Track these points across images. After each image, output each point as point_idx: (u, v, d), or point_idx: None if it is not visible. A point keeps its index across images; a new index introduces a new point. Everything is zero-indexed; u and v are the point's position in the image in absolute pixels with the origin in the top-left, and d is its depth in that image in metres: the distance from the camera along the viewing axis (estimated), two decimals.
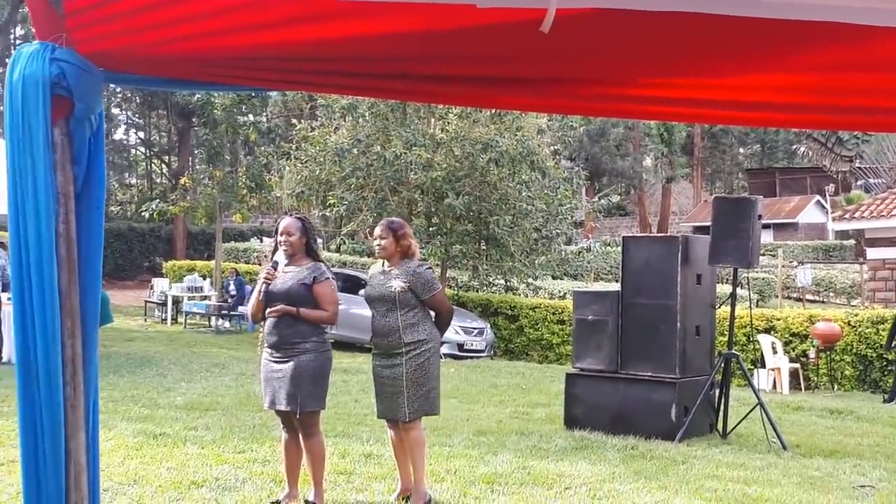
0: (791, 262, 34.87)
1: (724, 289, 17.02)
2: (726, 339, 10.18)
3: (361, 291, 19.36)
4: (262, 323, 6.10)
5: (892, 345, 14.83)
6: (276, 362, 5.92)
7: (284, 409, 5.89)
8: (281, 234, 6.00)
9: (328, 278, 5.99)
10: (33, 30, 2.63)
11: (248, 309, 6.53)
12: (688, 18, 2.33)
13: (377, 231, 6.29)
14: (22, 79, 2.50)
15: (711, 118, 3.41)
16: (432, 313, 6.34)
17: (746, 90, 2.72)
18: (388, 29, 2.43)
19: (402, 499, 6.28)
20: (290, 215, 6.24)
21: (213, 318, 21.98)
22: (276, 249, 6.15)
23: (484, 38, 2.47)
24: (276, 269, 6.01)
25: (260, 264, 28.13)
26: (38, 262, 2.50)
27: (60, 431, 2.54)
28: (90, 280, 2.63)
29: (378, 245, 6.23)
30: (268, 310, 5.92)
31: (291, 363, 5.84)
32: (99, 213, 2.65)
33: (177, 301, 23.40)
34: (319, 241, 18.01)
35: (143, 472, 6.70)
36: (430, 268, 6.34)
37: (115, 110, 47.62)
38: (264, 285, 5.95)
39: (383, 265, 6.31)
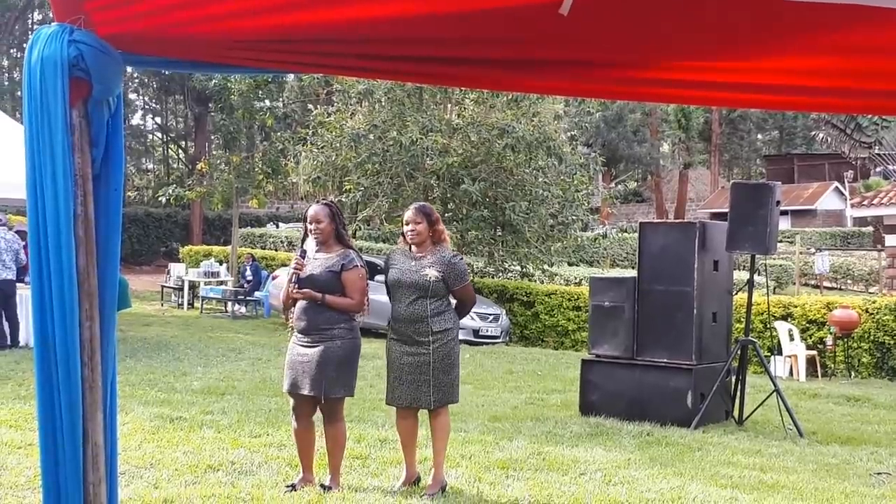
0: (809, 248, 34.70)
1: (741, 275, 16.97)
2: (743, 325, 10.15)
3: (378, 277, 19.28)
4: (291, 309, 6.10)
5: None
6: (303, 346, 5.92)
7: (308, 393, 5.89)
8: (311, 222, 5.97)
9: (357, 266, 5.96)
10: (52, 13, 2.62)
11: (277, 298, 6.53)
12: (707, 1, 2.31)
13: (410, 215, 6.14)
14: (41, 60, 2.49)
15: (731, 101, 3.39)
16: (453, 301, 6.30)
17: (766, 73, 2.70)
18: (406, 11, 2.42)
19: (408, 485, 6.26)
20: (319, 202, 6.15)
21: (230, 304, 22.02)
22: (305, 237, 6.13)
23: (503, 20, 2.46)
24: (304, 257, 5.99)
25: (276, 250, 28.21)
26: (56, 244, 2.50)
27: (78, 413, 2.55)
28: (108, 262, 2.64)
29: (412, 230, 6.09)
30: (294, 291, 5.91)
31: (319, 348, 5.85)
32: (117, 194, 2.65)
33: (193, 286, 23.45)
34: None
35: (160, 455, 6.73)
36: (462, 258, 6.29)
37: (132, 95, 47.75)
38: (294, 275, 5.94)
39: (410, 249, 6.19)
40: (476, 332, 17.77)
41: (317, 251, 6.02)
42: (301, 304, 5.94)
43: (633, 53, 2.68)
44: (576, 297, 20.11)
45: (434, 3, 2.42)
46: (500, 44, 2.63)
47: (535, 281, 22.52)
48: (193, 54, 2.66)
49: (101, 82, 2.54)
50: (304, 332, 5.94)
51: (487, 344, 17.53)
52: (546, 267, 21.90)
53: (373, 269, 18.03)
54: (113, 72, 2.58)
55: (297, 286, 5.91)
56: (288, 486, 6.03)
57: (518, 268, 21.85)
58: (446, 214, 19.60)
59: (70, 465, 2.55)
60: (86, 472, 2.57)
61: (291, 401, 6.12)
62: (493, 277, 22.60)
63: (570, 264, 28.07)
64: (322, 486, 6.03)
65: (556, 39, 2.55)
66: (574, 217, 21.27)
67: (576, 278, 25.86)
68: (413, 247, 6.18)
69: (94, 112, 2.58)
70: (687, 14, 2.40)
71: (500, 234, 20.52)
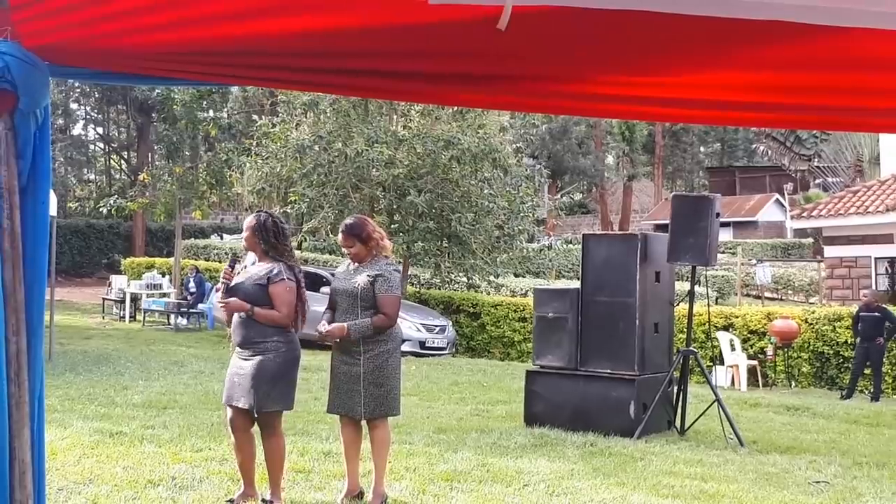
0: (750, 259, 35.20)
1: (683, 286, 17.17)
2: (685, 336, 10.26)
3: (324, 289, 19.21)
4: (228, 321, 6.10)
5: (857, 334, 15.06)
6: (241, 360, 5.88)
7: (242, 406, 5.83)
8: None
9: (283, 279, 5.86)
10: None
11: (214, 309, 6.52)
12: (643, 17, 2.33)
13: (340, 239, 6.21)
14: None
15: (667, 116, 3.43)
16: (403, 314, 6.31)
17: (701, 89, 2.73)
18: (340, 24, 2.41)
19: (350, 498, 6.22)
20: (255, 213, 6.22)
21: (172, 316, 21.77)
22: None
23: (440, 34, 2.45)
24: (233, 267, 5.96)
25: (221, 262, 27.95)
26: None
27: (4, 429, 2.50)
28: (35, 275, 2.59)
29: (348, 253, 6.18)
30: (220, 302, 5.93)
31: (254, 362, 5.80)
32: (44, 207, 2.61)
33: (135, 298, 23.15)
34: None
35: (99, 470, 6.62)
36: (398, 270, 6.27)
37: (74, 105, 47.04)
38: (223, 285, 5.93)
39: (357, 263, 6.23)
40: (422, 344, 17.76)
41: (253, 263, 5.99)
42: (235, 316, 5.90)
43: (569, 69, 2.69)
44: (521, 308, 20.20)
45: (371, 17, 2.41)
46: (438, 58, 2.63)
47: (482, 292, 22.59)
48: (123, 66, 2.62)
49: (27, 94, 2.50)
50: (240, 345, 5.90)
51: (434, 355, 17.53)
52: (492, 278, 21.99)
53: (318, 281, 18.01)
54: (40, 84, 2.54)
55: (226, 296, 5.90)
56: (228, 502, 5.96)
57: (464, 279, 21.92)
58: (392, 226, 19.58)
59: None
60: (12, 490, 2.52)
61: (229, 412, 6.04)
62: (439, 289, 22.62)
63: (516, 275, 28.20)
64: (264, 500, 5.97)
65: (494, 54, 2.56)
66: (520, 228, 21.39)
67: (522, 289, 25.99)
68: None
69: (21, 124, 2.53)
70: (621, 30, 2.42)
71: (446, 245, 20.55)
